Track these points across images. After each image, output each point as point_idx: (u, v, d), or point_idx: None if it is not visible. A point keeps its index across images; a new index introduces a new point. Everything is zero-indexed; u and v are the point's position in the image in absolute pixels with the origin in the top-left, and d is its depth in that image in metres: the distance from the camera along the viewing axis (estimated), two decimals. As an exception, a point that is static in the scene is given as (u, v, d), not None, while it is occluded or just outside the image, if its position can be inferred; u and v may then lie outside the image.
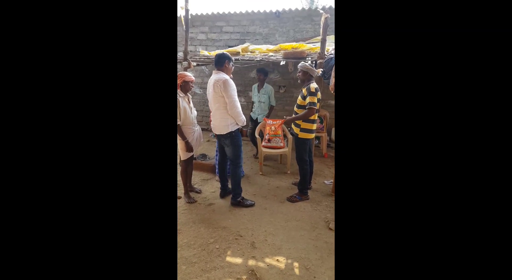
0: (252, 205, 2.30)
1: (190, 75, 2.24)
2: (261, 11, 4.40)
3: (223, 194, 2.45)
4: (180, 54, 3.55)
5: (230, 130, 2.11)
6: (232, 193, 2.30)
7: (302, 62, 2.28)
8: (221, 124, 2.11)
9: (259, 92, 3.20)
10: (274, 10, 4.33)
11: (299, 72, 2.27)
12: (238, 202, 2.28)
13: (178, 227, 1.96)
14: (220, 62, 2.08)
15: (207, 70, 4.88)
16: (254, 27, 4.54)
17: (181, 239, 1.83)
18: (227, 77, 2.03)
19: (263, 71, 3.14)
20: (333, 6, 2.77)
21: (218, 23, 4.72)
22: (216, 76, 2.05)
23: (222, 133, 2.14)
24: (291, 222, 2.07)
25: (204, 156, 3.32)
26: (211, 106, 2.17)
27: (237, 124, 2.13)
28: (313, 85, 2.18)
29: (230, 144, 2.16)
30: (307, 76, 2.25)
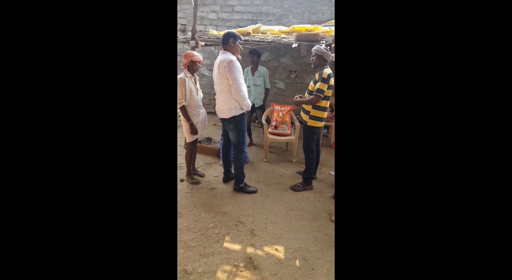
0: (254, 192, 2.26)
1: (198, 54, 2.15)
2: (276, -11, 4.14)
3: (226, 179, 2.42)
4: (188, 33, 3.41)
5: (233, 114, 2.03)
6: (235, 178, 2.27)
7: (317, 46, 2.12)
8: (225, 108, 2.03)
9: (253, 75, 3.07)
10: (289, -11, 4.06)
11: (313, 56, 2.13)
12: (241, 188, 2.25)
13: (179, 210, 1.96)
14: (226, 41, 1.97)
15: (216, 51, 4.72)
16: (267, 7, 4.30)
17: (181, 223, 1.83)
18: (233, 57, 1.92)
19: (256, 52, 2.99)
20: None
21: (230, 2, 4.50)
22: (222, 56, 1.94)
23: (225, 117, 2.07)
24: (292, 211, 2.03)
25: (209, 139, 3.28)
26: (215, 88, 2.09)
27: (241, 108, 2.05)
28: (327, 71, 2.04)
29: (233, 129, 2.10)
30: (321, 61, 2.10)
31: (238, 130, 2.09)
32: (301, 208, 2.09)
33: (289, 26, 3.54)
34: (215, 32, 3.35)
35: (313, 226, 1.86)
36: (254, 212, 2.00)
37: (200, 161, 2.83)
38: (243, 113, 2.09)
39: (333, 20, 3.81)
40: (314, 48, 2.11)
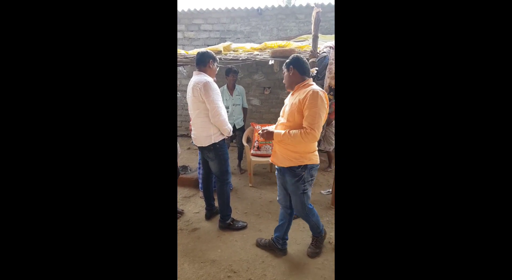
0: (244, 227, 1.97)
1: None
2: (242, 8, 4.11)
3: (209, 215, 2.09)
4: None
5: (213, 142, 1.76)
6: (220, 214, 1.96)
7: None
8: (202, 135, 1.76)
9: (232, 95, 2.85)
10: (255, 7, 4.05)
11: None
12: (228, 225, 1.94)
13: (155, 265, 1.58)
14: (204, 62, 1.73)
15: (185, 71, 4.48)
16: (235, 25, 4.23)
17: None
18: (209, 78, 1.69)
19: (234, 71, 2.78)
20: (313, 4, 2.52)
21: (196, 21, 4.35)
22: (197, 77, 1.70)
23: (203, 145, 1.79)
24: (291, 246, 1.77)
25: (184, 168, 2.93)
26: (190, 113, 1.82)
27: (221, 134, 1.80)
28: None
29: (214, 158, 1.82)
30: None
31: (219, 158, 1.82)
32: (300, 240, 1.84)
33: (259, 43, 3.47)
34: (182, 52, 3.12)
35: (318, 263, 1.62)
36: (247, 255, 1.69)
37: (177, 195, 2.46)
38: (223, 139, 1.83)
39: (302, 36, 3.86)
40: None
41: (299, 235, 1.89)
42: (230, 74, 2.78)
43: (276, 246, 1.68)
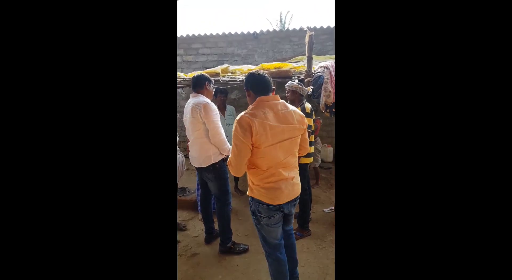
0: (245, 251, 1.89)
1: None
2: (238, 32, 4.31)
3: (208, 239, 2.02)
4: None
5: (213, 162, 1.75)
6: (220, 237, 1.89)
7: (290, 82, 2.06)
8: (202, 155, 1.76)
9: (224, 115, 2.77)
10: (251, 32, 4.25)
11: (287, 92, 2.05)
12: (229, 248, 1.87)
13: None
14: (200, 84, 1.78)
15: (183, 93, 4.57)
16: (232, 48, 4.41)
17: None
18: (207, 100, 1.72)
19: (224, 92, 2.75)
20: (306, 27, 2.64)
21: (194, 45, 4.53)
22: (195, 99, 1.73)
23: (203, 166, 1.78)
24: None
25: (183, 190, 2.87)
26: (188, 134, 1.83)
27: (221, 153, 1.79)
28: (308, 105, 1.98)
29: (214, 179, 1.80)
30: (297, 96, 2.03)
31: (220, 178, 1.80)
32: (304, 262, 1.76)
33: (256, 65, 3.59)
34: (181, 75, 3.21)
35: (324, 287, 1.53)
36: (250, 280, 1.61)
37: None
38: (223, 159, 1.82)
39: (297, 57, 4.01)
40: (287, 84, 2.05)
41: (304, 257, 1.81)
42: (218, 95, 2.70)
43: None
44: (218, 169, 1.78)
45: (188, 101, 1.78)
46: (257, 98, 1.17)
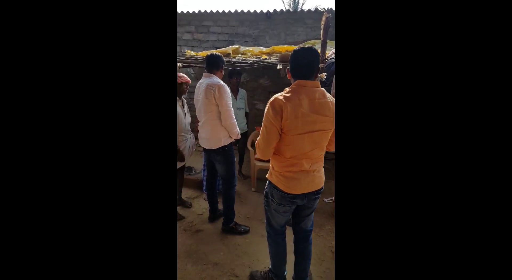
0: (246, 232, 1.98)
1: (184, 75, 1.91)
2: (251, 11, 4.14)
3: (212, 218, 2.10)
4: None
5: (223, 144, 1.78)
6: (224, 217, 1.97)
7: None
8: (213, 137, 1.78)
9: (236, 98, 2.74)
10: (264, 11, 4.08)
11: None
12: (231, 228, 1.95)
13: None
14: (216, 65, 1.74)
15: (193, 72, 4.51)
16: (244, 28, 4.26)
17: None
18: (222, 82, 1.71)
19: (238, 74, 2.67)
20: (329, 7, 2.52)
21: (205, 23, 4.39)
22: (209, 80, 1.71)
23: (213, 148, 1.81)
24: (293, 254, 1.77)
25: (189, 169, 2.94)
26: (199, 115, 1.83)
27: (230, 137, 1.81)
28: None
29: (222, 161, 1.84)
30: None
31: (227, 161, 1.84)
32: (302, 247, 1.83)
33: (267, 47, 3.49)
34: (192, 53, 3.15)
35: (320, 271, 1.62)
36: (249, 258, 1.70)
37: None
38: (231, 142, 1.85)
39: (309, 41, 3.87)
40: None
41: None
42: (234, 77, 2.65)
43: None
44: (227, 152, 1.81)
45: (201, 81, 1.77)
46: (295, 81, 1.11)
